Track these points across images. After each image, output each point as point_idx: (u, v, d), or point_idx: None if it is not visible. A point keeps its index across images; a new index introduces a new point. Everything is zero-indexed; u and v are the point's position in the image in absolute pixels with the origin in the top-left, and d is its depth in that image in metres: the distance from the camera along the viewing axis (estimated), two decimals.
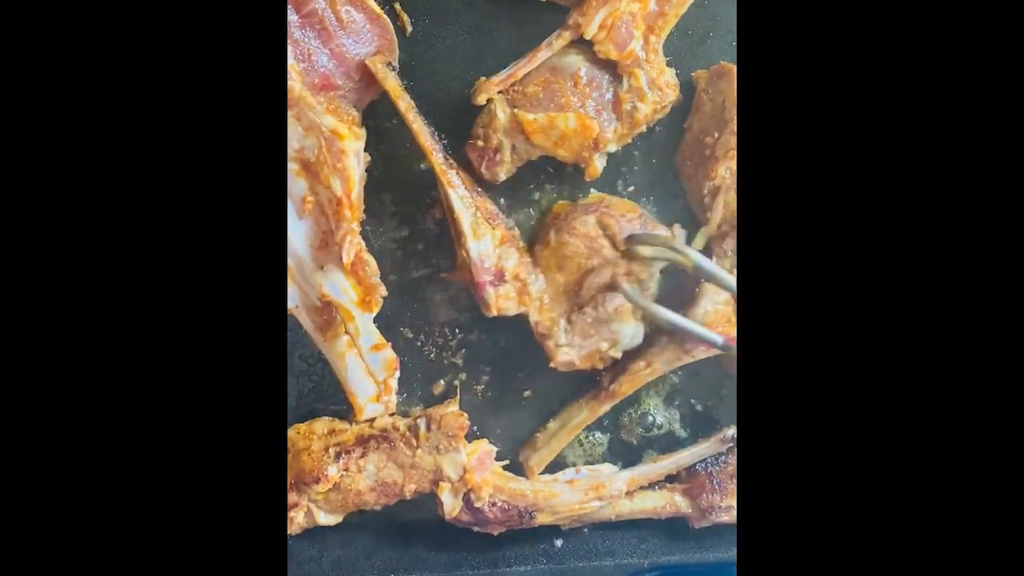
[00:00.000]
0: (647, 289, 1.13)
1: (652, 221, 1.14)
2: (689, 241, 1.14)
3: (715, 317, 1.13)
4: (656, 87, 1.08)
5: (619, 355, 1.15)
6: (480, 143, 1.09)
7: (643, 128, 1.11)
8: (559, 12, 1.08)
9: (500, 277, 1.10)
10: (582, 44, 1.08)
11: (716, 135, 1.09)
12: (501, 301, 1.10)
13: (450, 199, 1.08)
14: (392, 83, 1.05)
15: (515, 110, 1.06)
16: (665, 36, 1.09)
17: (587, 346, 1.13)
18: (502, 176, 1.10)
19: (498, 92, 1.08)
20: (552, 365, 1.14)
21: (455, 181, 1.08)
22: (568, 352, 1.13)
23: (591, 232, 1.10)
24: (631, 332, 1.14)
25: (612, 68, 1.08)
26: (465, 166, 1.11)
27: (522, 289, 1.11)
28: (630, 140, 1.12)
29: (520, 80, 1.08)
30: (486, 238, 1.09)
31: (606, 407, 1.18)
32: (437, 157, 1.07)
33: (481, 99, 1.08)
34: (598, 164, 1.10)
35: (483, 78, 1.08)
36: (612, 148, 1.11)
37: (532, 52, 1.07)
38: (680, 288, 1.16)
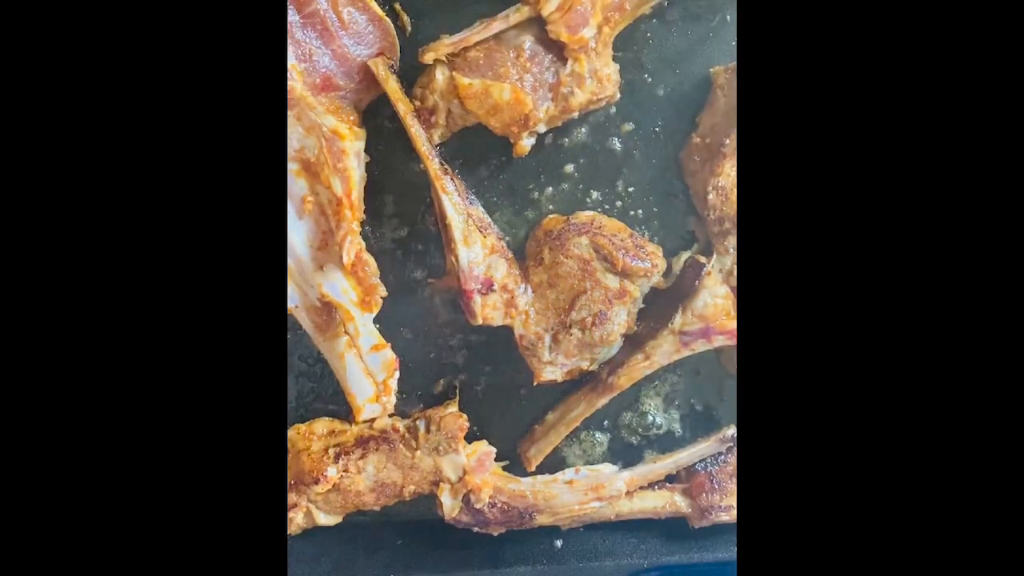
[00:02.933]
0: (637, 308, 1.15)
1: (643, 241, 1.14)
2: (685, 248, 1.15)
3: (713, 311, 1.13)
4: (597, 78, 1.07)
5: (596, 368, 1.17)
6: (417, 103, 1.08)
7: (574, 115, 1.10)
8: None
9: (488, 286, 1.10)
10: (533, 22, 1.06)
11: (728, 132, 1.09)
12: (487, 311, 1.10)
13: (443, 205, 1.08)
14: (393, 85, 1.06)
15: (453, 73, 1.06)
16: (618, 31, 1.08)
17: (569, 364, 1.14)
18: (436, 139, 1.10)
19: (446, 56, 1.07)
20: (535, 383, 1.14)
21: (449, 187, 1.09)
22: (552, 371, 1.14)
23: (585, 255, 1.11)
24: (612, 351, 1.16)
25: (558, 49, 1.07)
26: (460, 172, 1.12)
27: (509, 301, 1.11)
28: (559, 124, 1.11)
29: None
30: (476, 246, 1.09)
31: (604, 399, 1.19)
32: (433, 162, 1.08)
33: (428, 57, 1.06)
34: (525, 143, 1.09)
35: (438, 40, 1.07)
36: (541, 128, 1.10)
37: (488, 21, 1.06)
38: (679, 284, 1.17)
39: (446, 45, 1.06)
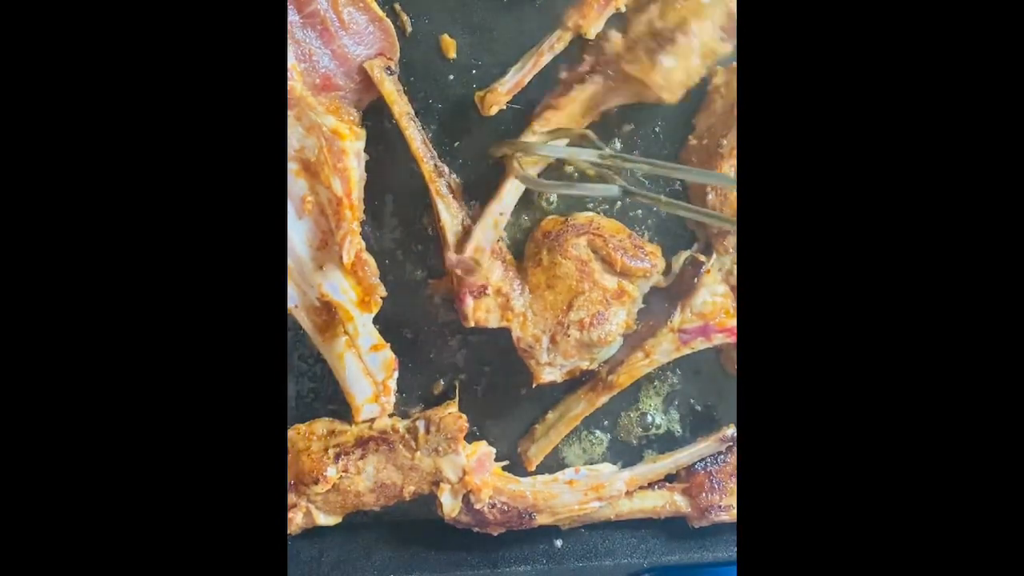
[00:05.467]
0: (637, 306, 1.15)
1: (642, 241, 1.15)
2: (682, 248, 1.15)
3: (712, 308, 1.14)
4: None
5: (596, 367, 1.17)
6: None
7: None
8: (559, 10, 1.08)
9: (482, 289, 1.10)
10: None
11: (725, 132, 1.09)
12: (479, 313, 1.10)
13: (437, 207, 1.08)
14: (388, 88, 1.06)
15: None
16: None
17: (568, 365, 1.14)
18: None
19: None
20: (535, 385, 1.14)
21: (443, 190, 1.09)
22: (551, 372, 1.14)
23: (583, 256, 1.11)
24: (612, 350, 1.16)
25: None
26: (457, 173, 1.12)
27: (505, 303, 1.11)
28: None
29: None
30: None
31: (604, 398, 1.19)
32: (428, 164, 1.08)
33: (493, 110, 1.07)
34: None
35: (490, 89, 1.08)
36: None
37: (534, 57, 1.07)
38: (679, 282, 1.17)
39: (503, 94, 1.07)
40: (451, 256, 1.07)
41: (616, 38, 1.04)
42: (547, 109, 1.07)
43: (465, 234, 1.10)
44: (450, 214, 1.09)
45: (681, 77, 1.04)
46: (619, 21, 1.07)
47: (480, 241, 1.08)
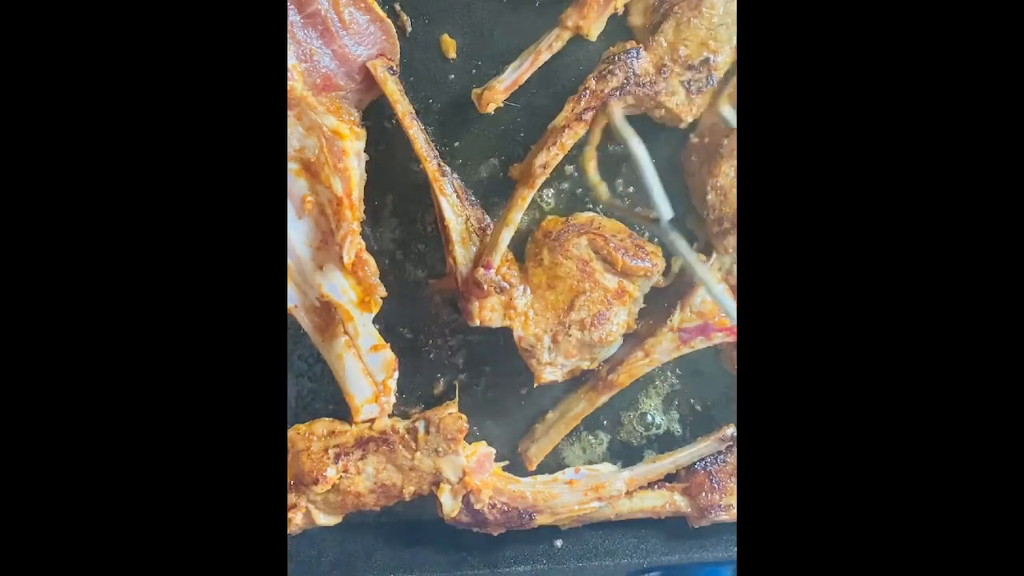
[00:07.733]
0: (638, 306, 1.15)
1: (642, 241, 1.14)
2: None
3: (712, 307, 1.14)
4: None
5: (596, 367, 1.17)
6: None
7: None
8: (559, 11, 1.08)
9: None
10: None
11: (727, 132, 1.09)
12: (485, 312, 1.10)
13: (441, 206, 1.08)
14: (391, 87, 1.06)
15: None
16: None
17: (569, 365, 1.15)
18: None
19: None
20: (536, 385, 1.14)
21: (447, 189, 1.09)
22: (552, 372, 1.14)
23: (584, 256, 1.11)
24: (612, 350, 1.16)
25: None
26: (457, 173, 1.12)
27: (508, 302, 1.11)
28: None
29: None
30: (473, 248, 1.09)
31: (604, 398, 1.19)
32: (431, 164, 1.08)
33: (490, 108, 1.07)
34: None
35: (487, 86, 1.08)
36: None
37: (533, 55, 1.07)
38: (678, 282, 1.17)
39: (500, 91, 1.07)
40: (483, 272, 1.08)
41: (646, 63, 1.06)
42: (577, 121, 1.07)
43: (483, 245, 1.10)
44: (455, 214, 1.09)
45: (705, 101, 1.10)
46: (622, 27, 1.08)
47: (502, 252, 1.09)
